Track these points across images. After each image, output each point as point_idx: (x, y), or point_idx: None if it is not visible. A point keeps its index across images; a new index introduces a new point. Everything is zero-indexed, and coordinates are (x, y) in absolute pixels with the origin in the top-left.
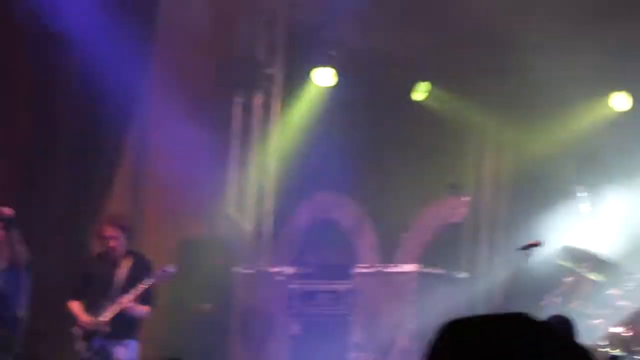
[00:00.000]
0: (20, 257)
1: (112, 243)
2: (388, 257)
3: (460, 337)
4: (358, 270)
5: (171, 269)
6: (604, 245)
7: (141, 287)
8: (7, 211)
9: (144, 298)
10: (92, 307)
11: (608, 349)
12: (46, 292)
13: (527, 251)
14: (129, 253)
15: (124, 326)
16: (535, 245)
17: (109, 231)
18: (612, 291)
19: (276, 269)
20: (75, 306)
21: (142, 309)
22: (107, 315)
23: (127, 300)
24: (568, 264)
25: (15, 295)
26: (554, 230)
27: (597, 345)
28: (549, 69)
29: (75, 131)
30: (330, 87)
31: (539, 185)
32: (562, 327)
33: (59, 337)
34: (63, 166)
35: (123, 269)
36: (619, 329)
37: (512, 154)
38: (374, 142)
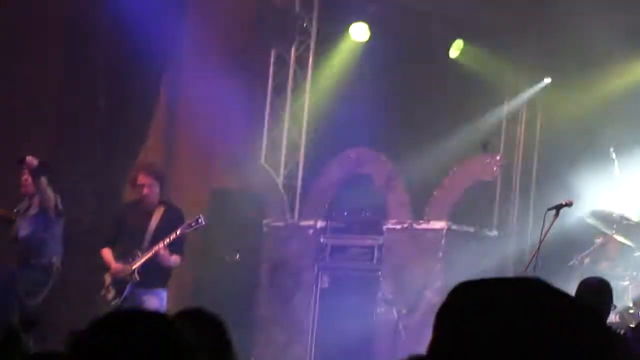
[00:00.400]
0: (49, 204)
1: (145, 190)
2: (419, 213)
3: (467, 301)
4: (388, 225)
5: (202, 220)
6: (634, 208)
7: (172, 236)
8: (34, 160)
9: (174, 247)
10: (124, 255)
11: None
12: (79, 239)
13: (557, 211)
14: (162, 203)
15: (154, 275)
16: (566, 205)
17: (142, 179)
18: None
19: (307, 222)
20: (107, 254)
21: (173, 258)
22: (137, 263)
23: (158, 249)
24: (598, 225)
25: (47, 242)
26: (586, 190)
27: (626, 307)
28: (586, 29)
29: (111, 80)
30: (365, 42)
31: (572, 145)
32: (599, 288)
33: (91, 284)
34: (98, 115)
35: (155, 218)
36: None
37: (546, 113)
38: (407, 99)
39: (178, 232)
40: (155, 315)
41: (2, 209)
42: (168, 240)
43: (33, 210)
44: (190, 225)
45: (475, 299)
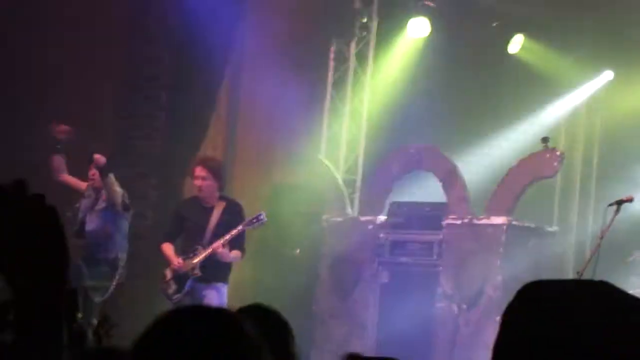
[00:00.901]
0: (117, 199)
1: (199, 183)
2: (479, 209)
3: (535, 301)
4: (448, 221)
5: (263, 217)
6: None
7: (232, 232)
8: (101, 158)
9: (234, 243)
10: (184, 250)
11: None
12: (141, 234)
13: (618, 207)
14: (222, 198)
15: (215, 270)
16: (627, 200)
17: (199, 171)
18: None
19: (366, 218)
20: (168, 248)
21: (233, 254)
22: (198, 259)
23: (217, 246)
24: None
25: (114, 236)
26: None
27: None
28: None
29: (174, 76)
30: (425, 37)
31: (632, 141)
32: None
33: (153, 279)
34: (160, 110)
35: (216, 214)
36: None
37: (606, 107)
38: (467, 94)
39: (240, 229)
40: (223, 312)
41: (75, 177)
42: (228, 237)
43: (101, 205)
44: (251, 222)
45: (544, 301)
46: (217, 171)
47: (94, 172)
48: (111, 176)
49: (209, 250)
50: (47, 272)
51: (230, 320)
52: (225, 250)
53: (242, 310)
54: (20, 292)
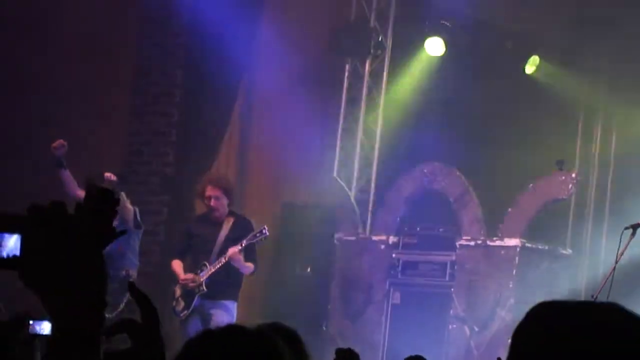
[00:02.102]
0: (129, 217)
1: (213, 203)
2: (492, 230)
3: (546, 323)
4: (461, 242)
5: (266, 231)
6: None
7: (237, 248)
8: (112, 176)
9: (246, 255)
10: (194, 267)
11: None
12: (152, 251)
13: (634, 230)
14: (231, 214)
15: (224, 287)
16: None
17: (210, 191)
18: None
19: (379, 237)
20: (177, 265)
21: (247, 264)
22: (206, 275)
23: (234, 252)
24: None
25: (126, 254)
26: None
27: None
28: None
29: (187, 92)
30: (440, 57)
31: None
32: None
33: (163, 296)
34: (173, 128)
35: (225, 229)
36: None
37: (621, 132)
38: (482, 114)
39: (243, 244)
40: (261, 333)
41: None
42: (240, 245)
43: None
44: (255, 236)
45: (555, 322)
46: (228, 189)
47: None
48: (123, 194)
49: (218, 265)
50: (86, 292)
51: (268, 342)
52: (241, 257)
53: (269, 328)
54: (58, 316)
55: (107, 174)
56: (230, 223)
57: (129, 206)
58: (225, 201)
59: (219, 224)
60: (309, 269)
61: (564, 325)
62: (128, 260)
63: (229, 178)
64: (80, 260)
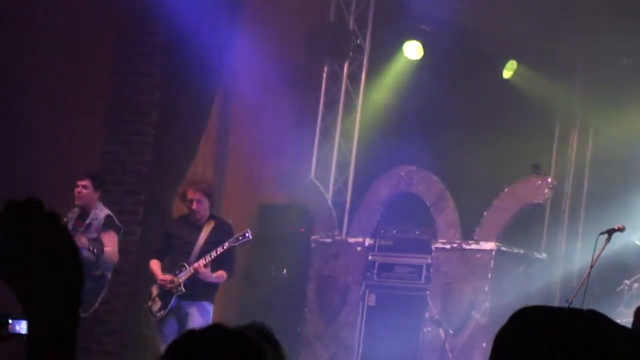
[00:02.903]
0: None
1: (194, 206)
2: (468, 234)
3: (527, 328)
4: (438, 245)
5: (249, 234)
6: None
7: (215, 252)
8: (87, 182)
9: (223, 262)
10: (172, 268)
11: None
12: (127, 250)
13: (609, 235)
14: (212, 217)
15: (200, 288)
16: (618, 230)
17: (192, 194)
18: None
19: (355, 240)
20: (155, 265)
21: (216, 275)
22: (184, 276)
23: (199, 265)
24: None
25: (101, 254)
26: (636, 213)
27: None
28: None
29: (165, 94)
30: (418, 61)
31: (622, 169)
32: None
33: (139, 296)
34: (150, 127)
35: (205, 233)
36: None
37: (596, 137)
38: (459, 118)
39: (225, 246)
40: (243, 335)
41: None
42: (211, 256)
43: (88, 223)
44: (237, 240)
45: (537, 326)
46: (209, 192)
47: (79, 190)
48: (98, 193)
49: (191, 270)
50: (62, 291)
51: (251, 342)
52: (207, 271)
53: (251, 329)
54: (33, 312)
55: (82, 182)
56: (211, 226)
57: (104, 206)
58: (206, 204)
59: (199, 227)
60: (284, 271)
61: (546, 331)
62: (104, 260)
63: (210, 181)
64: (56, 257)
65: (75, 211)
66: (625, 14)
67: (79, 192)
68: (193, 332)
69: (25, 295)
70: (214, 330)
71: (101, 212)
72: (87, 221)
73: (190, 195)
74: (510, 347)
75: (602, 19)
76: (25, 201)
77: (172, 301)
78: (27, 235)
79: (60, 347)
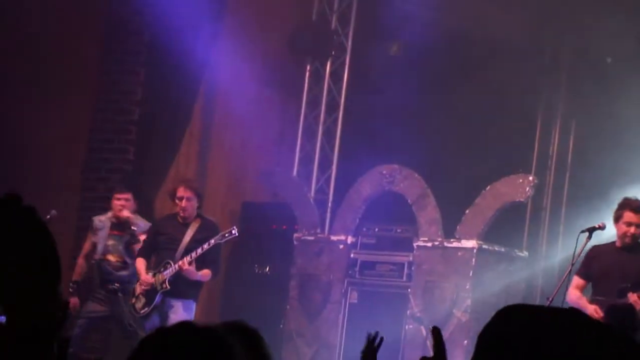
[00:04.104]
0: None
1: (184, 203)
2: (450, 232)
3: (511, 326)
4: (419, 243)
5: (235, 231)
6: None
7: (201, 249)
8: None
9: (208, 260)
10: (157, 265)
11: None
12: None
13: (590, 233)
14: (198, 216)
15: (185, 285)
16: (599, 228)
17: (183, 192)
18: None
19: (337, 237)
20: (140, 263)
21: (201, 273)
22: (169, 274)
23: (183, 263)
24: None
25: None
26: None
27: None
28: (621, 51)
29: (147, 91)
30: (400, 59)
31: (604, 168)
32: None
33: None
34: (134, 125)
35: (191, 231)
36: None
37: (578, 134)
38: (441, 116)
39: (211, 243)
40: (212, 331)
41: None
42: (196, 253)
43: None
44: (223, 237)
45: (521, 325)
46: (199, 191)
47: (122, 203)
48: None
49: (175, 267)
50: (39, 284)
51: (218, 339)
52: (191, 269)
53: (223, 326)
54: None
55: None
56: (197, 224)
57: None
58: (195, 203)
59: (185, 225)
60: (267, 268)
61: (530, 329)
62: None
63: (196, 181)
64: (33, 250)
65: (106, 220)
66: (610, 15)
67: (122, 205)
68: (162, 329)
69: (3, 288)
70: (182, 326)
71: (141, 221)
72: (131, 230)
73: (181, 192)
74: (493, 345)
75: (586, 10)
76: (4, 196)
77: (157, 298)
78: (4, 229)
79: (39, 338)
